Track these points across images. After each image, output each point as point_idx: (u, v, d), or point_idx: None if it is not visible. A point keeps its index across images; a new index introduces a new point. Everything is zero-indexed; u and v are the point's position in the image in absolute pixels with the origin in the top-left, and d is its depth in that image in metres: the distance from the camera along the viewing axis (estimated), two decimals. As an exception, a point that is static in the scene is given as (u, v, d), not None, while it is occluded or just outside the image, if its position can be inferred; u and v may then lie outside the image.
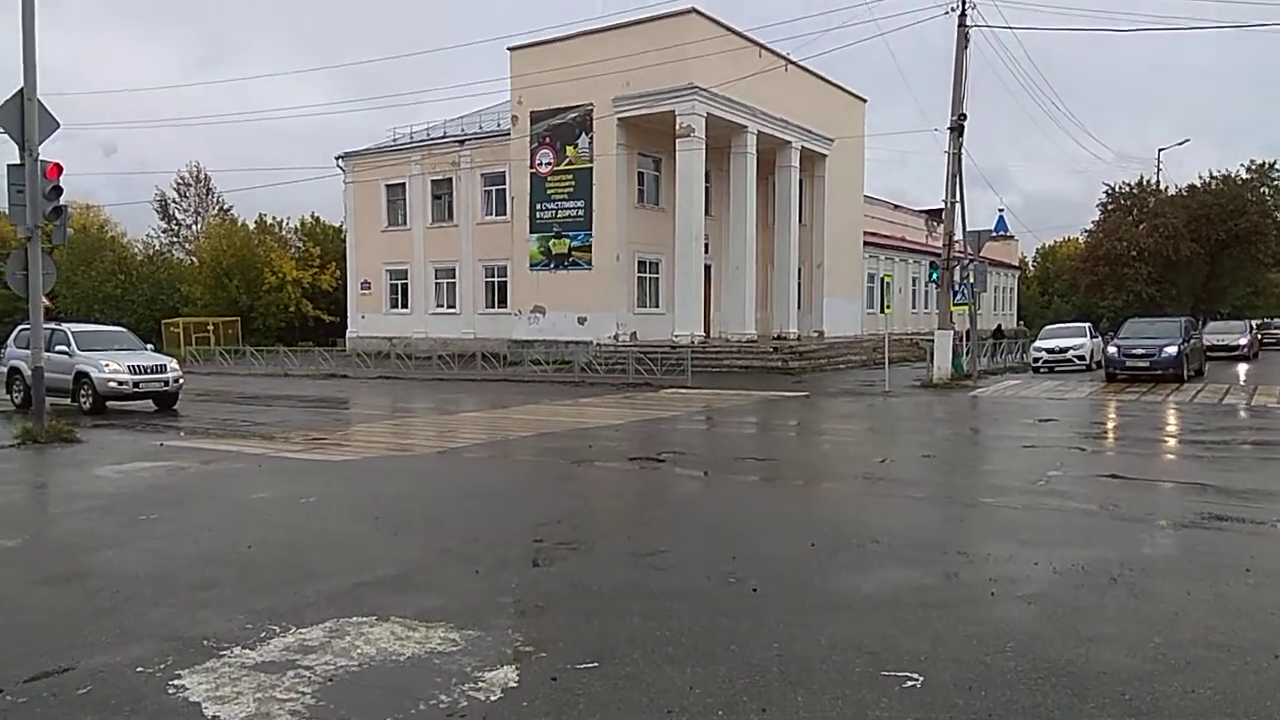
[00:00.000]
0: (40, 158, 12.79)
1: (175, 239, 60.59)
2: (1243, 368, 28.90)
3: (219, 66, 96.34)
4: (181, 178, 60.57)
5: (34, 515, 8.86)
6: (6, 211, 13.55)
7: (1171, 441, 13.28)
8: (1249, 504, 8.09)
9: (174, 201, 60.69)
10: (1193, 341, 24.33)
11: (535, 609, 5.21)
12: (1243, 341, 33.47)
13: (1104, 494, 8.65)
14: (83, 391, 17.48)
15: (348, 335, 42.10)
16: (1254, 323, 37.92)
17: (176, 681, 4.11)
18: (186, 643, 4.59)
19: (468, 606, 5.20)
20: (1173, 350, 22.48)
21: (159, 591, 5.57)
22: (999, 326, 50.81)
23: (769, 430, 15.67)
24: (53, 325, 18.85)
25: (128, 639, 4.68)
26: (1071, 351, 27.99)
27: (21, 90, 12.75)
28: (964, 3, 23.44)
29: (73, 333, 18.33)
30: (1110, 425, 15.18)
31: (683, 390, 22.34)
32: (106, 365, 17.32)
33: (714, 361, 28.73)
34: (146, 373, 17.67)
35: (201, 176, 60.72)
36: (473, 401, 20.29)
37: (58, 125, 13.23)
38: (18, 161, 12.83)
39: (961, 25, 23.58)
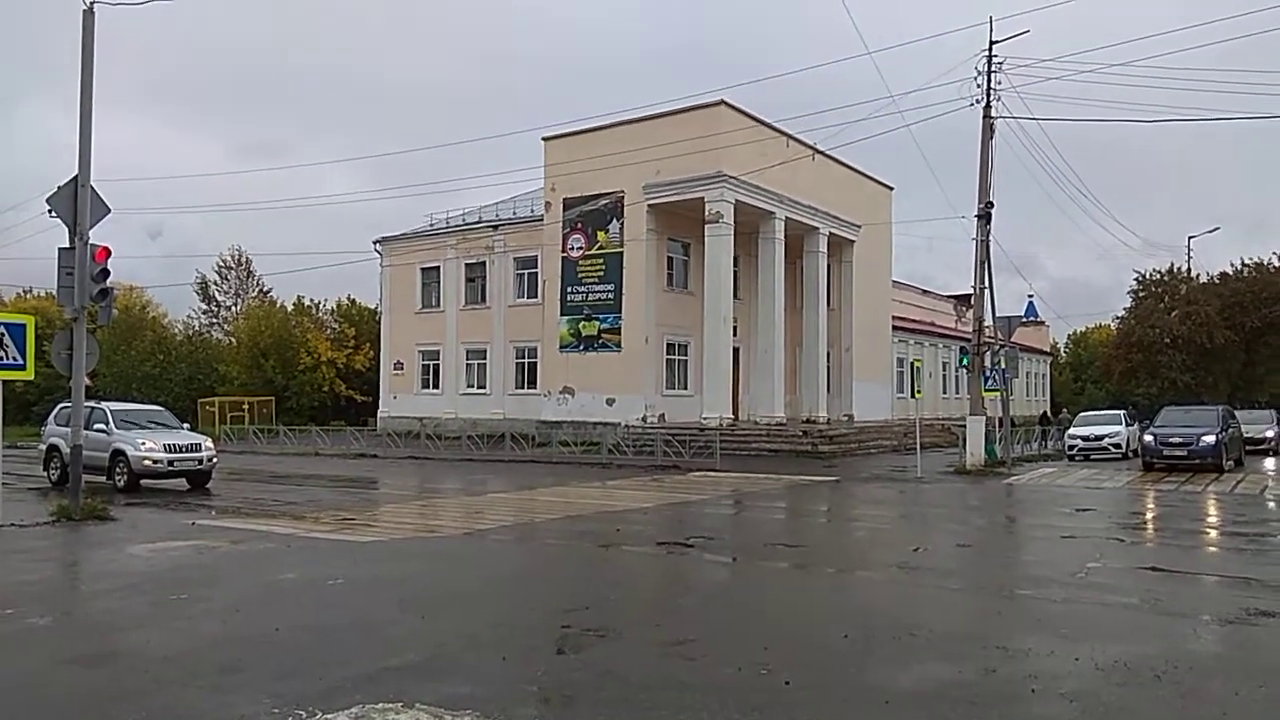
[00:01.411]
0: (90, 241, 13.21)
1: (214, 320, 62.02)
2: (1270, 462, 26.11)
3: (263, 154, 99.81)
4: (223, 260, 62.34)
5: (65, 593, 8.89)
6: (54, 292, 13.90)
7: (1213, 533, 12.94)
8: (1298, 599, 7.83)
9: (215, 283, 62.36)
10: (1231, 430, 23.86)
11: (562, 698, 5.13)
12: (1269, 433, 29.91)
13: (1145, 587, 8.42)
14: (118, 469, 17.66)
15: (379, 415, 42.45)
16: (1276, 413, 34.87)
17: (201, 767, 4.06)
18: (212, 727, 4.55)
19: (494, 694, 5.12)
20: (1211, 439, 22.06)
21: (186, 673, 5.55)
22: (1051, 410, 50.38)
23: (799, 516, 15.48)
24: (92, 404, 19.17)
25: (154, 722, 4.65)
26: (1108, 439, 27.56)
27: (76, 177, 13.24)
28: (988, 95, 23.90)
29: (111, 411, 18.64)
30: (1149, 516, 14.85)
31: (711, 473, 22.19)
32: (143, 444, 17.54)
33: (742, 444, 28.57)
34: (181, 451, 17.87)
35: (243, 260, 62.44)
36: (500, 482, 20.27)
37: (109, 211, 13.69)
38: (67, 245, 13.24)
39: (986, 117, 24.00)
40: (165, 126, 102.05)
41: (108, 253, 13.46)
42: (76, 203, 13.11)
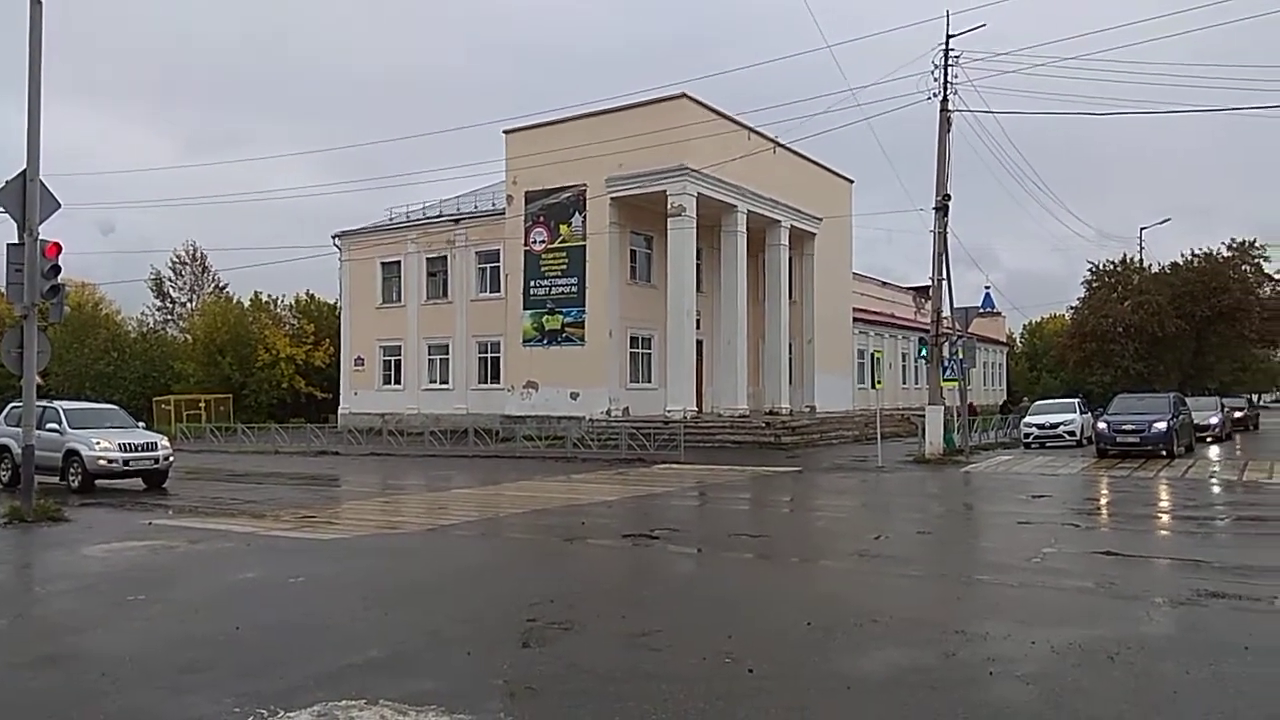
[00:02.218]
0: (40, 237, 12.92)
1: (170, 316, 60.94)
2: (1215, 449, 26.61)
3: (217, 147, 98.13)
4: (178, 256, 61.30)
5: (19, 595, 8.71)
6: (3, 289, 13.59)
7: (1165, 518, 13.26)
8: (1245, 580, 8.06)
9: (169, 280, 61.31)
10: (1182, 417, 24.42)
11: (527, 691, 5.13)
12: (1213, 420, 30.50)
13: (1100, 571, 8.61)
14: (72, 470, 17.29)
15: (340, 411, 41.98)
16: (1221, 400, 35.73)
17: (161, 768, 4.01)
18: (172, 728, 4.50)
19: (459, 689, 5.12)
20: (1163, 426, 22.57)
21: (144, 674, 5.47)
22: (1010, 399, 51.29)
23: (763, 506, 15.59)
24: (44, 403, 18.74)
25: (112, 724, 4.59)
26: (1063, 427, 28.07)
27: (24, 172, 12.94)
28: (945, 89, 24.17)
29: (64, 410, 18.24)
30: (1103, 501, 15.16)
31: (675, 465, 22.26)
32: (97, 444, 17.20)
33: (706, 436, 28.69)
34: (137, 451, 17.55)
35: (198, 255, 61.46)
36: (464, 478, 20.17)
37: (59, 206, 13.40)
38: (16, 241, 12.95)
39: (944, 110, 24.27)
40: (116, 119, 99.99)
41: (58, 248, 13.19)
42: (25, 197, 12.81)
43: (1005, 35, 25.69)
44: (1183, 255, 46.64)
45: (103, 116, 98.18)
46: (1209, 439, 29.30)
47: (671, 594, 8.17)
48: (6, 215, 12.99)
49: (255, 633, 6.50)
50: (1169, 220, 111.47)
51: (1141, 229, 51.84)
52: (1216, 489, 16.54)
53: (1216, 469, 20.08)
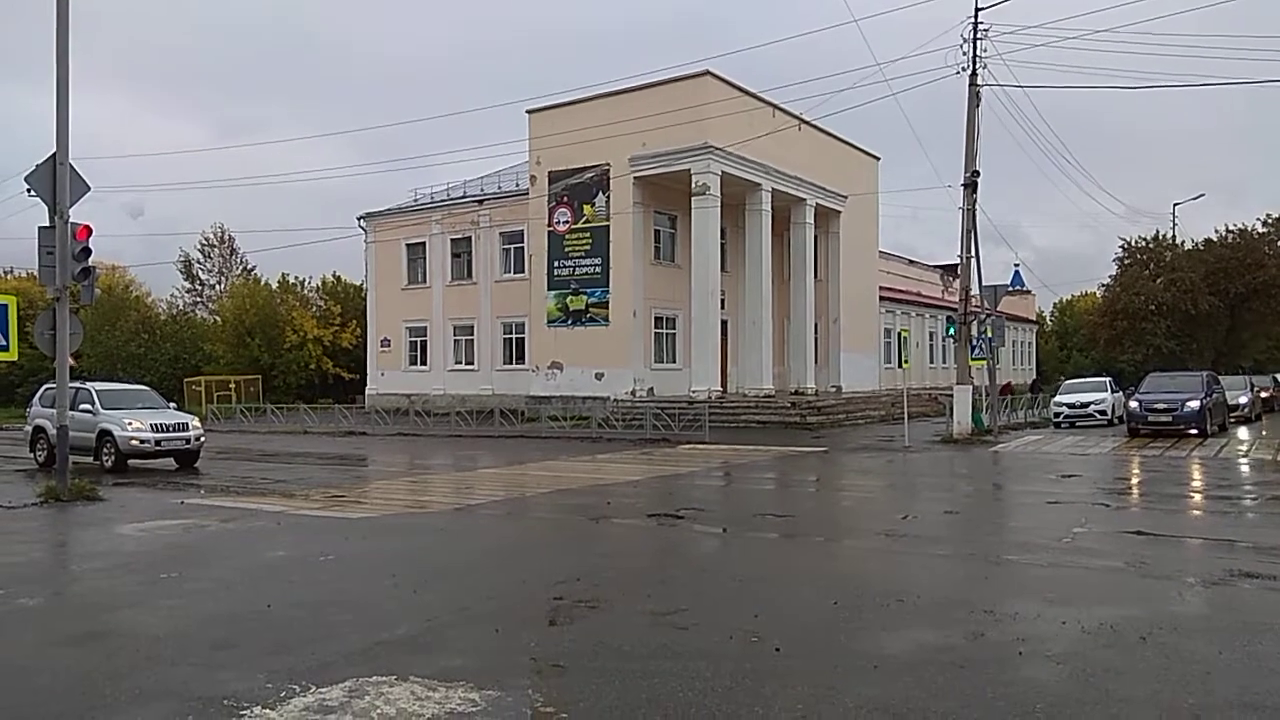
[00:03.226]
0: (70, 220, 13.07)
1: (199, 299, 61.57)
2: (1244, 430, 25.29)
3: (245, 131, 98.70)
4: (206, 239, 61.84)
5: (55, 574, 8.88)
6: (35, 272, 13.75)
7: (1197, 497, 13.09)
8: (1279, 561, 7.94)
9: (198, 262, 61.89)
10: (1215, 396, 24.04)
11: (555, 669, 5.16)
12: (1242, 400, 28.78)
13: (1131, 551, 8.52)
14: (105, 450, 17.59)
15: (367, 392, 42.35)
16: (1251, 380, 34.34)
17: (196, 743, 4.07)
18: (206, 703, 4.56)
19: (487, 666, 5.15)
20: (1195, 405, 22.25)
21: (178, 651, 5.56)
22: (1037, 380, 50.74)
23: (788, 486, 15.56)
24: (77, 384, 19.04)
25: (147, 699, 4.67)
26: (1093, 406, 27.75)
27: (54, 154, 13.06)
28: (974, 63, 23.79)
29: (97, 391, 18.52)
30: (1135, 481, 14.99)
31: (700, 446, 22.26)
32: (129, 424, 17.46)
33: (731, 417, 28.65)
34: (168, 431, 17.80)
35: (226, 238, 61.97)
36: (490, 458, 20.29)
37: (88, 189, 13.51)
38: (48, 224, 13.09)
39: (972, 85, 23.91)
40: (145, 104, 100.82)
41: (88, 231, 13.30)
42: (55, 180, 12.93)
43: (1036, 7, 25.18)
44: (1216, 231, 45.82)
45: (132, 101, 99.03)
46: (1234, 420, 27.70)
47: (697, 573, 8.18)
48: (37, 198, 13.13)
49: (286, 610, 6.58)
50: (1203, 196, 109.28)
51: (1175, 205, 51.02)
52: (1250, 469, 16.29)
53: (1251, 448, 19.78)
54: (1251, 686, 4.64)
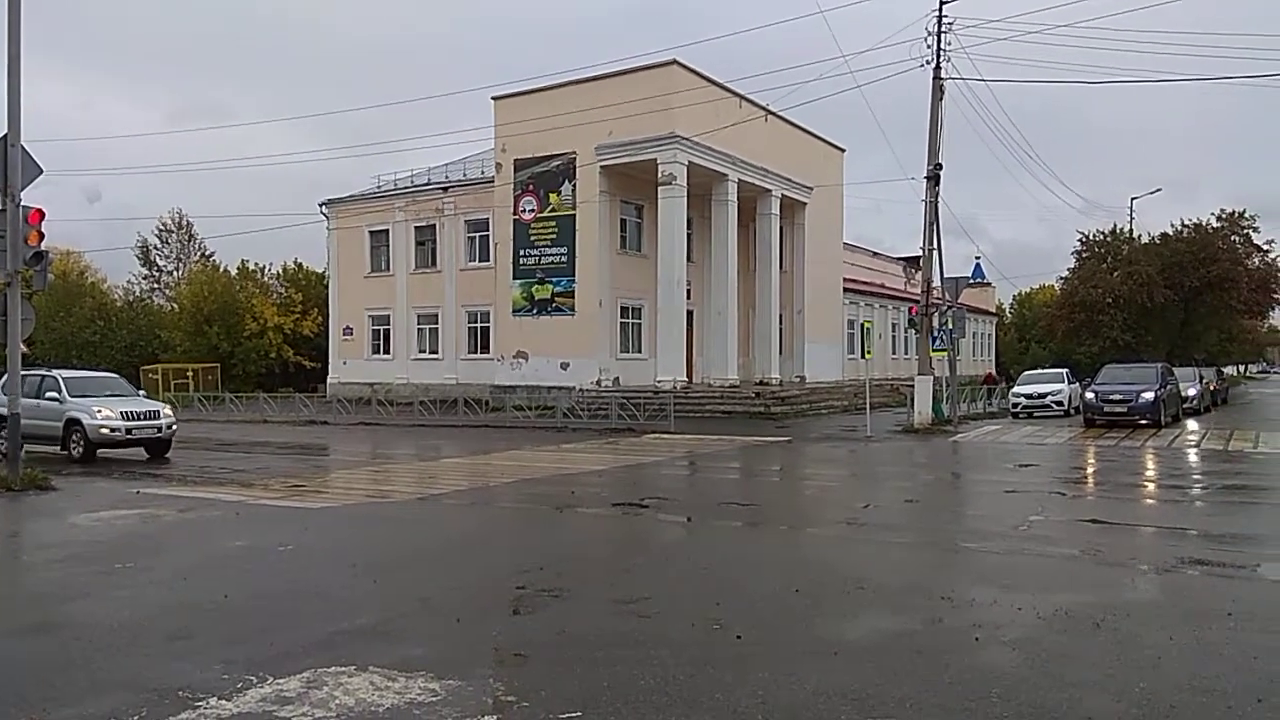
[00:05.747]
0: (22, 203, 12.76)
1: (156, 285, 60.53)
2: (1192, 422, 25.29)
3: (204, 115, 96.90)
4: (164, 224, 60.75)
5: (5, 564, 8.70)
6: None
7: (1151, 486, 13.37)
8: (1229, 548, 8.14)
9: (155, 248, 60.81)
10: (1169, 387, 24.54)
11: (516, 658, 5.15)
12: (1191, 392, 28.77)
13: (1085, 539, 8.68)
14: (73, 439, 16.99)
15: (329, 381, 41.85)
16: (1199, 372, 34.62)
17: (150, 734, 4.01)
18: (161, 694, 4.49)
19: (448, 655, 5.13)
20: (1150, 396, 22.71)
21: (133, 642, 5.47)
22: (995, 372, 51.55)
23: (752, 475, 15.65)
24: (43, 372, 18.56)
25: (101, 690, 4.59)
26: (1050, 397, 28.21)
27: (5, 136, 12.74)
28: (938, 56, 24.01)
29: (64, 379, 17.85)
30: (1090, 470, 15.27)
31: (665, 435, 22.30)
32: (99, 412, 16.88)
33: (696, 406, 28.73)
34: (139, 419, 17.29)
35: (184, 223, 60.95)
36: (454, 447, 20.17)
37: (40, 171, 13.20)
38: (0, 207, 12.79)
39: (936, 78, 24.12)
40: (101, 87, 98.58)
41: (41, 215, 13.02)
42: (7, 162, 12.62)
43: (998, 1, 25.45)
44: (1173, 226, 46.66)
45: (88, 84, 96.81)
46: (1189, 410, 28.03)
47: (661, 562, 8.20)
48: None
49: (244, 600, 6.50)
50: (1160, 190, 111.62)
51: (1133, 199, 51.71)
52: (1202, 458, 16.66)
53: (1203, 438, 20.22)
54: (1200, 671, 4.75)
